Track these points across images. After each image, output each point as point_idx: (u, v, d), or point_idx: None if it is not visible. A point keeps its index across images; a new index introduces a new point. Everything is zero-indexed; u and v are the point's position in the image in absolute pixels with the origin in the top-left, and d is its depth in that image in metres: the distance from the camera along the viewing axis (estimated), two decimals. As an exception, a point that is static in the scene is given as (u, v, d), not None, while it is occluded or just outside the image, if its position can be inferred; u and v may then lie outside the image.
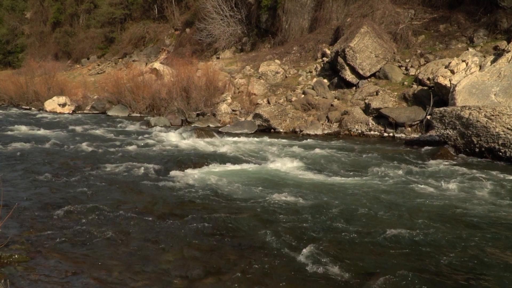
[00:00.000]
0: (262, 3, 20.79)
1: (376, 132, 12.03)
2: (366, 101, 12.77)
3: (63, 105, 20.33)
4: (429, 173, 7.48)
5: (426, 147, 9.53)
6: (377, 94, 12.82)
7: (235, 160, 8.52)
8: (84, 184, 6.84)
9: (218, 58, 22.29)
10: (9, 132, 12.53)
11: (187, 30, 27.31)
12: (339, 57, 14.31)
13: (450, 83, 11.10)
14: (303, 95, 14.61)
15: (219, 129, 13.18)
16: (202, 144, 10.52)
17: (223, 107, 15.30)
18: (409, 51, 14.67)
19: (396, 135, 11.61)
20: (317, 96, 14.32)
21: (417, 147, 9.85)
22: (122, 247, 4.46)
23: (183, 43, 26.85)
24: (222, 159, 8.54)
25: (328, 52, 16.34)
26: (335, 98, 14.14)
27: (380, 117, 12.19)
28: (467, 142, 8.72)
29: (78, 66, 34.24)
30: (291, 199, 5.96)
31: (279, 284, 3.72)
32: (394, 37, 15.06)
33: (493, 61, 10.88)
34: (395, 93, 12.84)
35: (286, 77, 16.77)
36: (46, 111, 20.23)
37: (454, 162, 8.29)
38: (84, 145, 9.94)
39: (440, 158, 8.54)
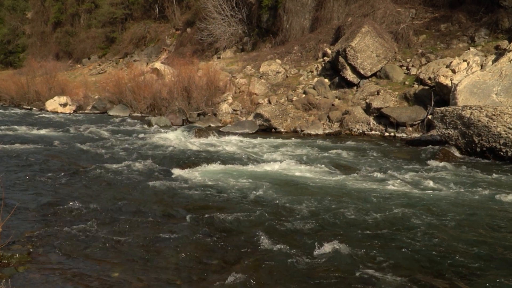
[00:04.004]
0: (263, 2, 20.78)
1: (377, 132, 12.02)
2: (367, 100, 12.75)
3: (64, 105, 20.34)
4: (430, 173, 7.47)
5: (427, 147, 9.51)
6: (378, 94, 12.81)
7: (236, 160, 8.52)
8: (85, 184, 6.84)
9: (219, 58, 22.29)
10: (10, 132, 12.53)
11: (188, 30, 27.32)
12: (340, 56, 14.30)
13: (451, 82, 11.08)
14: (304, 95, 14.60)
15: (220, 129, 13.19)
16: (203, 144, 10.52)
17: (224, 107, 15.30)
18: (410, 50, 14.65)
19: (397, 134, 11.60)
20: (318, 95, 14.31)
21: (418, 146, 9.84)
22: (123, 247, 4.46)
23: (184, 43, 26.85)
24: (223, 159, 8.54)
25: (329, 51, 16.33)
26: (336, 97, 14.13)
27: (381, 116, 12.18)
28: (468, 141, 8.70)
29: (79, 66, 34.25)
30: (292, 199, 5.95)
31: (280, 284, 3.72)
32: (395, 36, 15.04)
33: (494, 61, 10.86)
34: (396, 93, 12.83)
35: (287, 76, 16.77)
36: (47, 111, 20.24)
37: (455, 162, 8.28)
38: (85, 145, 9.94)
39: (441, 158, 8.53)
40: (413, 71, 13.56)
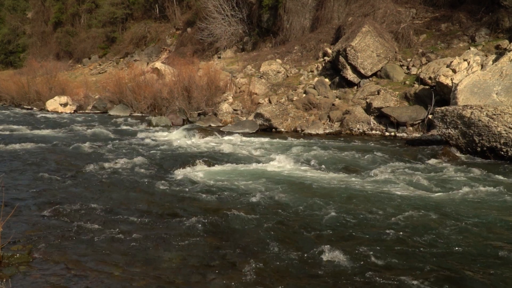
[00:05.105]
0: (263, 2, 20.77)
1: (377, 132, 12.01)
2: (368, 100, 12.74)
3: (65, 105, 20.36)
4: (431, 172, 7.46)
5: (428, 147, 9.51)
6: (378, 94, 12.80)
7: (237, 159, 8.52)
8: (86, 183, 6.84)
9: (219, 57, 22.30)
10: (10, 132, 12.54)
11: (188, 29, 27.32)
12: (340, 56, 14.29)
13: (452, 82, 11.07)
14: (304, 95, 14.60)
15: (221, 129, 13.18)
16: (204, 143, 10.52)
17: (225, 107, 15.30)
18: (411, 50, 14.64)
19: (397, 134, 11.59)
20: (318, 95, 14.30)
21: (419, 146, 9.84)
22: (123, 246, 4.46)
23: (184, 42, 26.85)
24: (223, 158, 8.54)
25: (330, 51, 16.33)
26: (337, 97, 14.13)
27: (381, 116, 12.17)
28: (469, 141, 8.70)
29: (79, 66, 34.28)
30: (293, 199, 5.95)
31: (280, 284, 3.72)
32: (396, 36, 15.03)
33: (494, 60, 10.85)
34: (397, 93, 12.82)
35: (287, 76, 16.76)
36: (47, 111, 20.26)
37: (456, 162, 8.28)
38: (85, 145, 9.94)
39: (442, 157, 8.53)
40: (414, 70, 13.55)
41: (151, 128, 13.77)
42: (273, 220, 5.15)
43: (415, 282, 3.65)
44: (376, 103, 12.29)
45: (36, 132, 12.72)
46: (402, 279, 3.70)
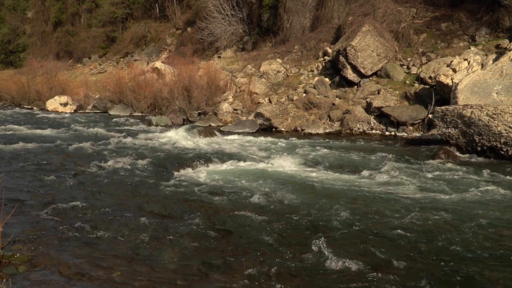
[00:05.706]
0: (263, 2, 20.76)
1: (377, 131, 12.00)
2: (368, 100, 12.74)
3: (65, 104, 20.36)
4: (431, 172, 7.45)
5: (428, 146, 9.50)
6: (378, 93, 12.79)
7: (237, 159, 8.51)
8: (86, 183, 6.84)
9: (219, 57, 22.28)
10: (10, 132, 12.54)
11: (189, 29, 27.31)
12: (340, 56, 14.29)
13: (452, 81, 11.07)
14: (304, 94, 14.59)
15: (221, 128, 13.18)
16: (204, 143, 10.51)
17: (225, 106, 15.30)
18: (411, 50, 14.64)
19: (397, 134, 11.58)
20: (318, 95, 14.30)
21: (419, 146, 9.83)
22: (124, 246, 4.46)
23: (185, 42, 26.85)
24: (224, 158, 8.54)
25: (330, 51, 16.32)
26: (337, 97, 14.12)
27: (381, 116, 12.17)
28: (469, 141, 8.69)
29: (79, 65, 34.26)
30: (293, 198, 5.94)
31: (281, 283, 3.71)
32: (396, 35, 15.02)
33: (495, 60, 10.84)
34: (397, 92, 12.82)
35: (287, 76, 16.76)
36: (47, 110, 20.25)
37: (456, 161, 8.27)
38: (85, 145, 9.94)
39: (442, 157, 8.52)
40: (414, 70, 13.54)
41: (151, 127, 13.78)
42: (278, 220, 5.13)
43: (427, 285, 3.63)
44: (376, 103, 12.28)
45: (37, 132, 12.70)
46: (414, 283, 3.66)
